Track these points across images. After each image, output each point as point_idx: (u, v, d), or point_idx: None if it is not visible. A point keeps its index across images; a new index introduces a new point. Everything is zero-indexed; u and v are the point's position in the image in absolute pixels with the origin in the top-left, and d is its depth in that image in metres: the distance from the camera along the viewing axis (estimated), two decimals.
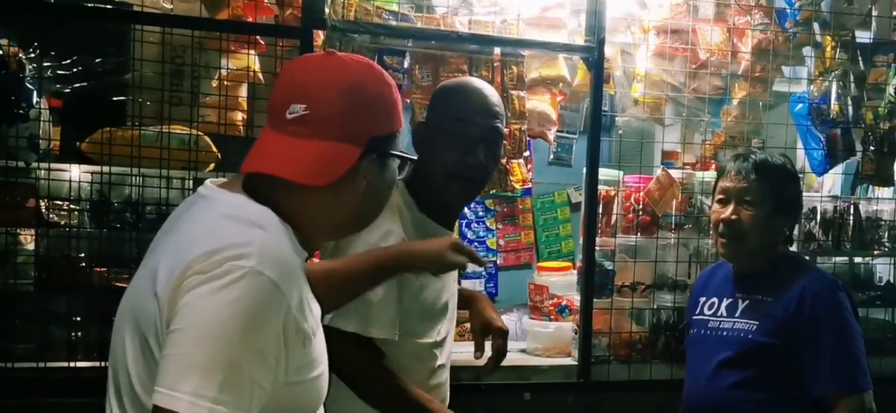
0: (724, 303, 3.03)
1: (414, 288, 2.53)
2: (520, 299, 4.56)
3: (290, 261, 1.62)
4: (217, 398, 1.45)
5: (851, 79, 4.35)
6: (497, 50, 3.95)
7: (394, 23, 3.79)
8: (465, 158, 2.54)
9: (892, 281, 4.66)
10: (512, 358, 3.49)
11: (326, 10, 3.61)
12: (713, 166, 4.32)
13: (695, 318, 3.11)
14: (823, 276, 3.06)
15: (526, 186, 4.47)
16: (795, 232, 3.39)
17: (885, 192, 4.69)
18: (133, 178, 3.59)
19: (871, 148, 4.30)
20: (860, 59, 4.37)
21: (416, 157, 2.00)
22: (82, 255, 3.62)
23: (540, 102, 4.11)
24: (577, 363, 3.94)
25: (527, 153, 4.17)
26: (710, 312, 3.05)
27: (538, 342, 4.02)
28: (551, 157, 5.43)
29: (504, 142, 2.66)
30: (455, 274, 2.73)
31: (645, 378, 3.96)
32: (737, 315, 2.95)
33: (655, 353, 4.07)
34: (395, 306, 2.50)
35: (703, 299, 3.12)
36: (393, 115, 1.81)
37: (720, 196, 2.98)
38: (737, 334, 2.91)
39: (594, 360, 3.96)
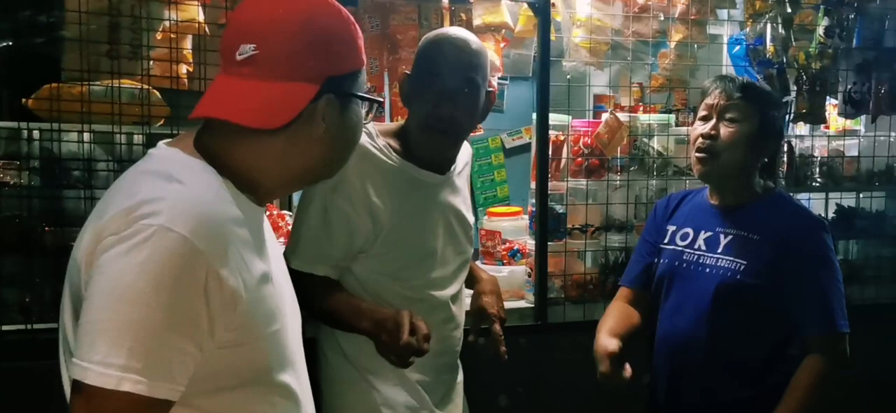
0: (703, 235, 3.02)
1: (379, 230, 2.66)
2: None
3: (212, 215, 1.55)
4: (127, 365, 1.42)
5: (779, 20, 4.51)
6: None
7: None
8: (435, 111, 2.63)
9: (823, 214, 4.88)
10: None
11: None
12: (641, 109, 4.47)
13: (664, 246, 3.12)
14: (808, 215, 3.09)
15: (480, 133, 4.54)
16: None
17: (804, 128, 4.94)
18: (83, 134, 3.55)
19: (805, 87, 4.49)
20: (787, 0, 4.52)
21: (381, 99, 1.98)
22: (32, 214, 3.56)
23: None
24: (532, 305, 4.07)
25: None
26: (685, 243, 3.06)
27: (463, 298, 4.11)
28: None
29: (483, 92, 2.72)
30: (450, 220, 2.85)
31: (598, 318, 4.06)
32: (719, 251, 2.95)
33: (605, 293, 4.19)
34: (325, 244, 2.63)
35: (672, 228, 3.13)
36: (352, 52, 1.76)
37: (703, 113, 2.98)
38: (722, 272, 2.90)
39: (548, 302, 4.09)
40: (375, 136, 2.69)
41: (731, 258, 2.90)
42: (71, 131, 3.55)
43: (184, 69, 3.78)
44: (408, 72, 2.79)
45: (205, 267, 1.49)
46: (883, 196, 5.04)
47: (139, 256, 1.44)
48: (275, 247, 1.89)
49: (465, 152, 3.00)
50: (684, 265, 3.01)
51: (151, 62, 3.68)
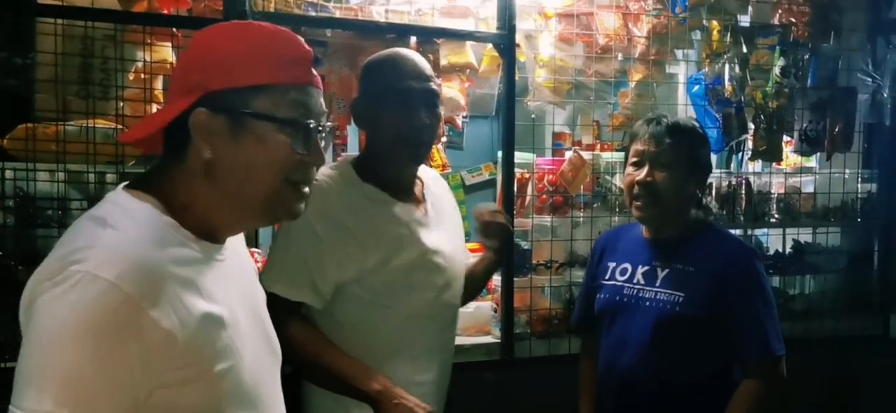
0: (640, 270, 3.14)
1: (370, 258, 2.69)
2: None
3: (141, 258, 1.54)
4: (53, 411, 1.42)
5: (736, 61, 4.73)
6: (413, 39, 4.17)
7: (314, 14, 3.97)
8: (410, 122, 2.70)
9: (780, 250, 5.11)
10: None
11: (246, 2, 3.75)
12: (598, 147, 4.66)
13: (605, 282, 3.23)
14: (741, 245, 3.23)
15: (445, 170, 4.67)
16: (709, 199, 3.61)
17: (756, 166, 5.17)
18: (58, 173, 3.65)
19: (762, 126, 4.72)
20: (743, 41, 4.76)
21: (309, 123, 1.76)
22: (6, 253, 3.66)
23: (449, 89, 4.36)
24: (498, 341, 4.21)
25: (444, 139, 4.39)
26: (624, 278, 3.17)
27: (458, 322, 4.21)
28: (444, 139, 5.63)
29: (440, 101, 2.82)
30: (422, 240, 2.84)
31: (563, 352, 4.25)
32: (657, 284, 3.06)
33: (570, 328, 4.32)
34: (308, 268, 2.65)
35: (612, 264, 3.25)
36: (246, 66, 1.69)
37: (634, 159, 3.10)
38: (661, 305, 3.01)
39: (515, 337, 4.23)
40: (347, 167, 2.80)
41: (670, 291, 3.02)
42: (45, 170, 3.66)
43: (155, 109, 3.90)
44: (355, 97, 2.87)
45: (134, 310, 1.50)
46: (838, 231, 5.28)
47: (66, 302, 1.46)
48: (240, 284, 1.89)
49: (432, 179, 3.09)
50: (625, 299, 3.13)
51: (123, 102, 3.80)
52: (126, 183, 1.74)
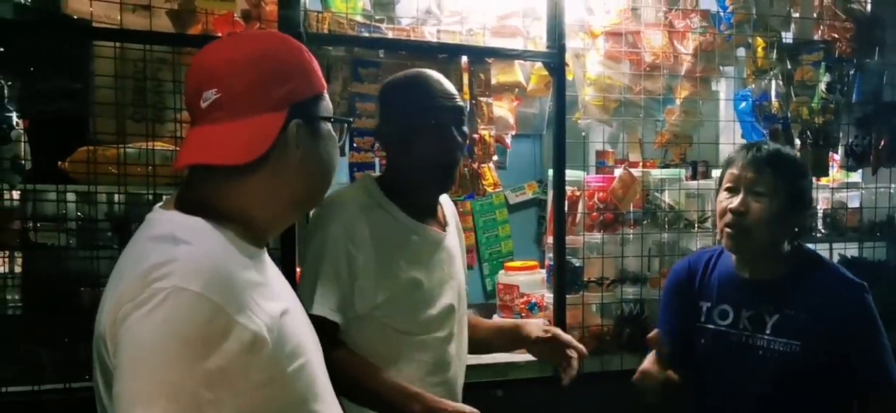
0: (744, 314, 3.02)
1: (377, 271, 2.67)
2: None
3: (221, 267, 1.62)
4: None
5: (780, 77, 4.76)
6: (464, 59, 4.22)
7: (367, 34, 4.03)
8: (442, 146, 2.70)
9: None
10: (489, 357, 3.83)
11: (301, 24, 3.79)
12: (640, 163, 4.69)
13: (703, 325, 3.11)
14: (851, 283, 3.01)
15: (496, 189, 4.73)
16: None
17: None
18: (119, 195, 3.71)
19: (809, 141, 4.75)
20: (787, 58, 4.77)
21: (350, 119, 2.11)
22: (70, 274, 3.72)
23: (499, 108, 4.42)
24: None
25: (495, 158, 4.44)
26: (726, 323, 3.05)
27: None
28: (495, 158, 5.65)
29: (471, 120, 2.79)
30: (449, 267, 2.89)
31: (615, 369, 4.27)
32: (768, 332, 2.95)
33: (621, 344, 4.38)
34: (337, 289, 2.62)
35: (706, 304, 3.12)
36: (310, 77, 1.86)
37: (729, 184, 2.96)
38: (778, 355, 2.92)
39: None
40: (372, 186, 2.79)
41: (785, 341, 2.92)
42: (105, 192, 3.74)
43: None
44: (380, 121, 2.85)
45: (223, 317, 1.56)
46: (884, 246, 5.25)
47: (157, 318, 1.50)
48: (285, 283, 1.96)
49: (444, 201, 3.04)
50: (734, 347, 3.01)
51: (180, 124, 3.84)
52: (160, 204, 1.82)
